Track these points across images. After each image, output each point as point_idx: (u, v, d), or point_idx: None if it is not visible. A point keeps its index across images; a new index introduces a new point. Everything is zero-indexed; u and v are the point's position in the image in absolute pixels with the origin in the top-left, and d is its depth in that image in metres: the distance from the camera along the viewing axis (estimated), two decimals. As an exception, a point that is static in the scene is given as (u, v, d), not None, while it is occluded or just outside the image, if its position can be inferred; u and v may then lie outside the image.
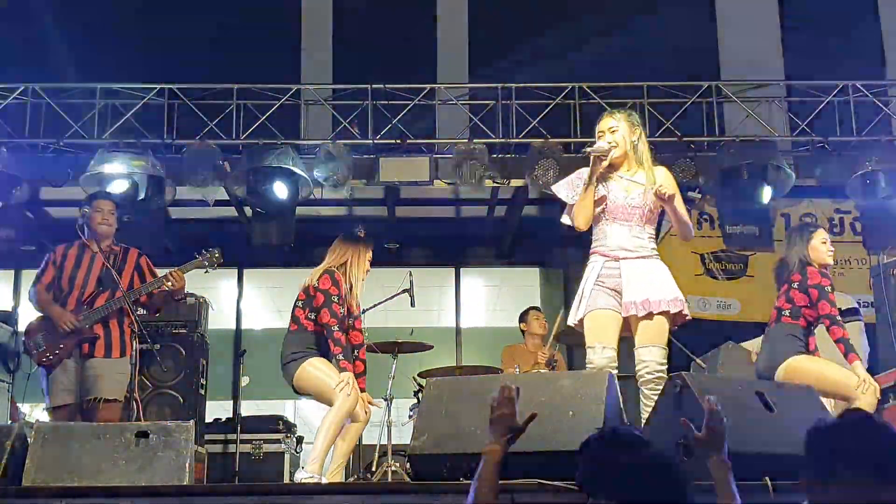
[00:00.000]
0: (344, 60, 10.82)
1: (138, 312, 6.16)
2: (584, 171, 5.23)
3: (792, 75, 10.34)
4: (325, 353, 5.89)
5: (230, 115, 9.10)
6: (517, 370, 7.37)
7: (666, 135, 9.17)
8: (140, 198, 8.86)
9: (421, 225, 11.20)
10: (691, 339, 7.83)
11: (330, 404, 5.74)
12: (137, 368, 6.12)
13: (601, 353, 5.00)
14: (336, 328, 5.78)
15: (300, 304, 6.00)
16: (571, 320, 5.23)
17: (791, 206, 10.07)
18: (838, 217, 10.26)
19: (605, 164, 5.13)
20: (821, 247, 5.93)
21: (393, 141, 9.11)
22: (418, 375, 7.74)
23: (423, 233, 11.30)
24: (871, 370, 7.32)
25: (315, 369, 5.83)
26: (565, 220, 5.30)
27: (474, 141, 9.04)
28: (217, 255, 6.24)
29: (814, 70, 9.99)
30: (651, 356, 5.05)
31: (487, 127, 9.13)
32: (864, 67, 10.21)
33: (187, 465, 4.51)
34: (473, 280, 12.14)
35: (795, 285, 5.82)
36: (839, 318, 5.75)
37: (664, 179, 5.21)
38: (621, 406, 4.53)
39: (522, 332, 8.36)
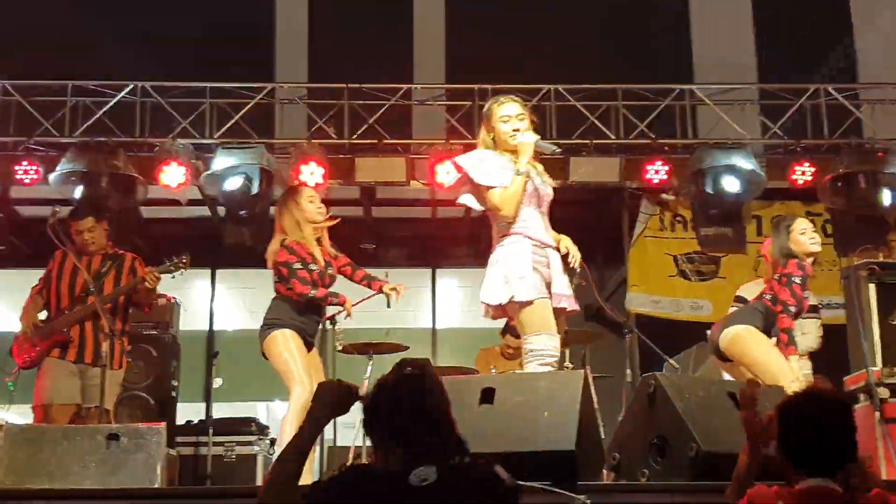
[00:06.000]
0: (319, 59, 10.80)
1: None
2: (484, 156, 5.05)
3: (764, 79, 10.41)
4: (306, 321, 5.80)
5: (203, 113, 9.05)
6: (493, 371, 7.38)
7: (640, 137, 9.20)
8: (110, 197, 8.80)
9: (397, 226, 11.19)
10: (664, 339, 7.87)
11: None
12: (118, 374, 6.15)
13: (553, 340, 4.83)
14: (312, 293, 5.71)
15: (275, 279, 5.94)
16: (500, 297, 4.87)
17: (763, 208, 10.12)
18: (809, 219, 10.29)
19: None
20: (801, 237, 5.93)
21: (369, 141, 9.09)
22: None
23: (400, 233, 11.29)
24: (841, 372, 7.40)
25: (281, 346, 5.68)
26: (469, 202, 5.05)
27: (450, 141, 9.03)
28: (185, 261, 6.24)
29: (786, 73, 10.07)
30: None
31: (464, 127, 9.13)
32: (836, 71, 10.30)
33: (159, 467, 4.49)
34: (449, 281, 12.14)
35: (776, 277, 5.86)
36: (792, 309, 5.73)
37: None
38: (595, 406, 4.54)
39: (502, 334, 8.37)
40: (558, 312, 4.94)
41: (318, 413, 3.05)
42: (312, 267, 5.79)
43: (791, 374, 5.54)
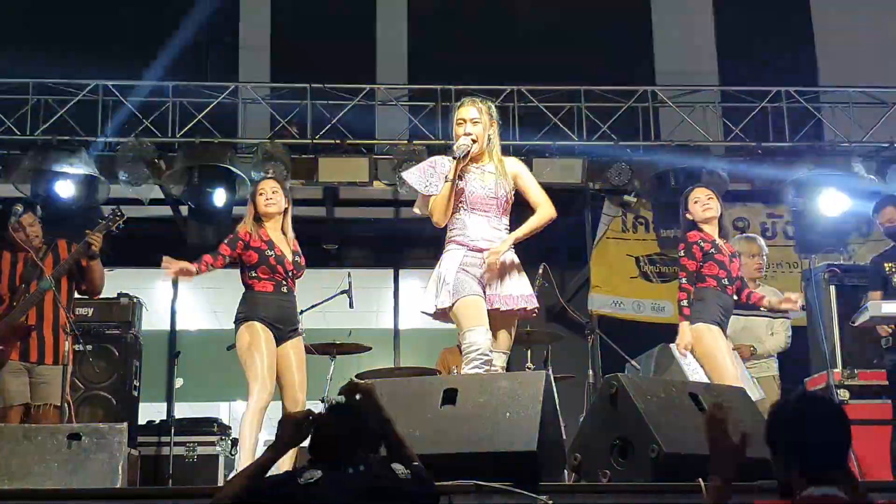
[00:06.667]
0: (282, 59, 10.76)
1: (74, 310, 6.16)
2: (437, 161, 5.22)
3: (726, 81, 10.50)
4: (274, 312, 5.77)
5: (166, 112, 8.99)
6: (455, 371, 7.38)
7: (602, 139, 9.25)
8: (73, 196, 8.74)
9: (360, 226, 11.17)
10: (625, 340, 7.91)
11: None
12: (69, 369, 6.06)
13: (485, 334, 4.88)
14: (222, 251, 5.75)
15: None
16: (427, 308, 5.10)
17: (724, 210, 10.20)
18: (771, 221, 10.41)
19: (467, 160, 5.10)
20: (694, 206, 5.96)
21: (332, 141, 9.08)
22: (356, 377, 7.71)
23: (362, 234, 11.27)
24: (802, 372, 7.48)
25: (246, 342, 5.64)
26: (417, 211, 5.28)
27: (414, 142, 9.04)
28: (119, 214, 6.13)
29: (748, 76, 10.16)
30: (501, 362, 5.06)
31: (427, 128, 9.14)
32: (797, 74, 10.41)
33: (120, 467, 4.46)
34: (412, 282, 12.12)
35: (682, 252, 5.92)
36: (688, 274, 5.81)
37: (517, 167, 5.27)
38: (557, 406, 4.56)
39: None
40: (492, 314, 4.97)
41: (278, 444, 3.43)
42: (269, 252, 5.76)
43: (734, 376, 5.60)
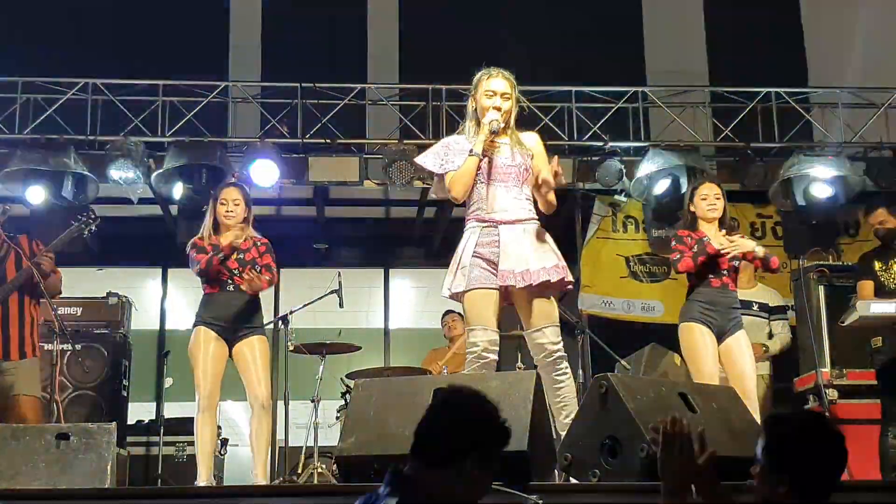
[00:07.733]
0: (273, 58, 10.74)
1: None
2: (449, 141, 5.09)
3: (716, 82, 10.53)
4: (215, 314, 5.85)
5: (156, 111, 8.97)
6: (445, 371, 7.39)
7: (593, 139, 9.26)
8: (64, 194, 8.70)
9: (350, 225, 11.16)
10: (615, 340, 7.93)
11: None
12: (58, 369, 6.01)
13: (483, 334, 4.82)
14: (196, 267, 5.82)
15: None
16: (444, 291, 5.02)
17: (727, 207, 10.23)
18: (760, 221, 10.42)
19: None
20: (700, 203, 5.93)
21: (322, 140, 9.07)
22: (346, 376, 7.71)
23: (353, 233, 11.26)
24: (791, 372, 7.50)
25: (191, 346, 5.84)
26: (434, 194, 5.23)
27: (404, 142, 9.03)
28: (93, 216, 6.05)
29: (738, 77, 10.17)
30: (546, 339, 4.88)
31: (417, 128, 9.13)
32: (787, 75, 10.43)
33: (109, 467, 4.44)
34: (402, 281, 12.14)
35: (673, 243, 5.91)
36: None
37: (536, 145, 5.10)
38: (548, 406, 4.56)
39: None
40: (512, 291, 4.89)
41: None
42: (211, 253, 5.86)
43: (711, 374, 5.60)
